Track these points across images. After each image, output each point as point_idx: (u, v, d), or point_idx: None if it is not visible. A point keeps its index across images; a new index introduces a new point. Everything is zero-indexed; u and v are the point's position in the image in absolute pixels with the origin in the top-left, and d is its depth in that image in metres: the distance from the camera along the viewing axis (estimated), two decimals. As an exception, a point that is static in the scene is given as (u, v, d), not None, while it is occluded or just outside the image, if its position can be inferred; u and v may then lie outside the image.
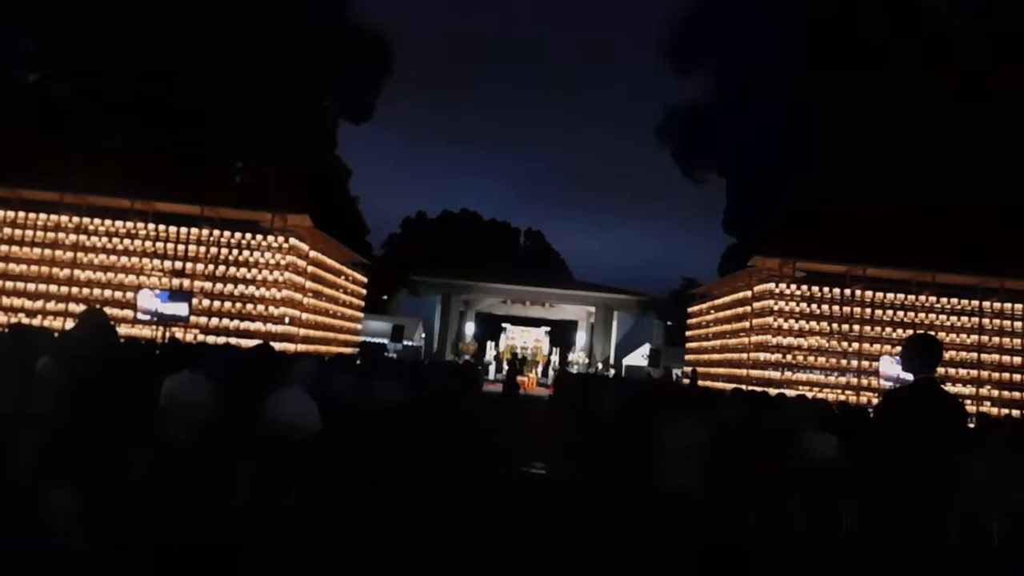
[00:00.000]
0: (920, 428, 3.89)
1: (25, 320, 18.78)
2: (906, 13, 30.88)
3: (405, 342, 32.17)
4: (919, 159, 28.78)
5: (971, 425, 8.41)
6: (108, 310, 19.20)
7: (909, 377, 4.13)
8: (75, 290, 20.38)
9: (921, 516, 3.82)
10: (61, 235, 20.77)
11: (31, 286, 20.43)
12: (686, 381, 23.11)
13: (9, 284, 20.44)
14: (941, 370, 20.26)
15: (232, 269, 20.61)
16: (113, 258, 20.66)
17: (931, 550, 3.84)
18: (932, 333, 18.99)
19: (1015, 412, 19.88)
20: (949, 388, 19.27)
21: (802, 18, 33.77)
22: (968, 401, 19.89)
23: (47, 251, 20.68)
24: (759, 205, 33.85)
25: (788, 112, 32.63)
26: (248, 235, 20.84)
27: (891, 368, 19.22)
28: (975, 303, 21.42)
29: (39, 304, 20.23)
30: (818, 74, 32.25)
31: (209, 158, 32.13)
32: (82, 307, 15.85)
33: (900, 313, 21.25)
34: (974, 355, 21.15)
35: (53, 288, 20.44)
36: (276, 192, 29.83)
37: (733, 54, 36.88)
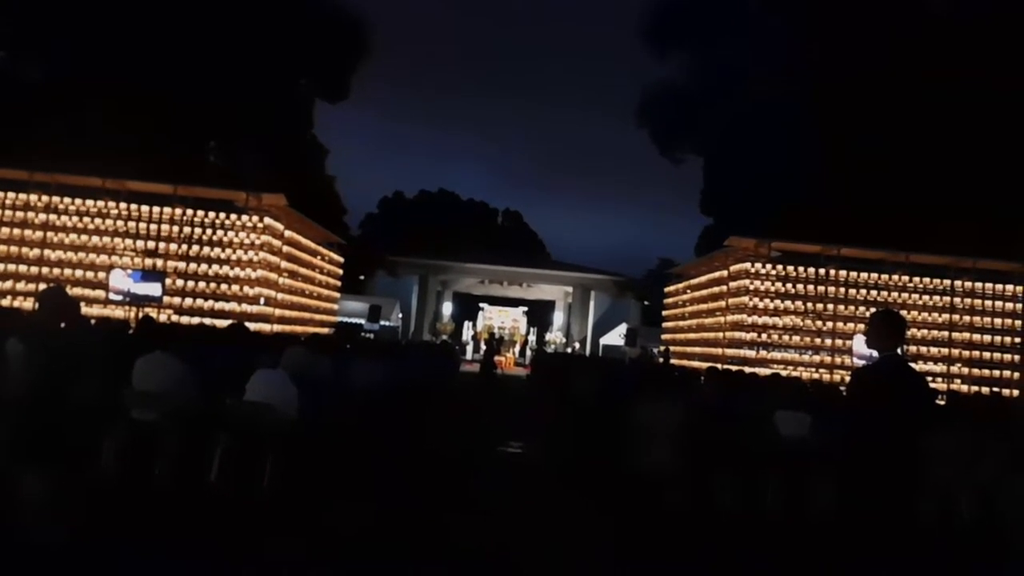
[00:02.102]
0: (887, 404, 3.94)
1: (-6, 301, 18.51)
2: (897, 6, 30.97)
3: (382, 322, 32.08)
4: (895, 144, 28.98)
5: (940, 402, 8.53)
6: (79, 290, 19.00)
7: (876, 355, 4.18)
8: (45, 270, 20.07)
9: (890, 492, 3.87)
10: (31, 214, 20.41)
11: (0, 266, 20.10)
12: (660, 360, 23.28)
13: (-23, 264, 20.10)
14: (913, 348, 20.68)
15: (206, 249, 20.38)
16: (84, 238, 20.35)
17: (901, 526, 3.89)
18: (903, 311, 19.28)
19: (984, 389, 20.22)
20: (920, 366, 19.58)
21: (785, 4, 33.79)
22: (939, 379, 20.22)
23: (16, 231, 20.32)
24: (736, 186, 33.96)
25: (767, 94, 32.68)
26: (222, 215, 20.60)
27: (864, 346, 19.42)
28: (947, 282, 21.72)
29: (8, 284, 19.92)
30: (798, 56, 32.32)
31: (182, 136, 31.65)
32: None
33: (873, 292, 21.50)
34: (945, 334, 21.47)
35: (23, 268, 20.11)
36: (251, 171, 29.50)
37: (714, 35, 36.82)
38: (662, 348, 26.81)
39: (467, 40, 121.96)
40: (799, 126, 30.68)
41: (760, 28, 34.14)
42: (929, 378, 4.58)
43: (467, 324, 41.13)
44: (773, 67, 33.15)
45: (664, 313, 30.06)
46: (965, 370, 21.25)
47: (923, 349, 21.11)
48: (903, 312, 19.43)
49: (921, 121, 28.56)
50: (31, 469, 4.67)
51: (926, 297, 21.67)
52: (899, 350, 4.32)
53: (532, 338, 40.99)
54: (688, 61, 39.42)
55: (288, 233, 22.29)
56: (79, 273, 19.99)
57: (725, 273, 23.05)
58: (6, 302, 18.95)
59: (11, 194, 20.46)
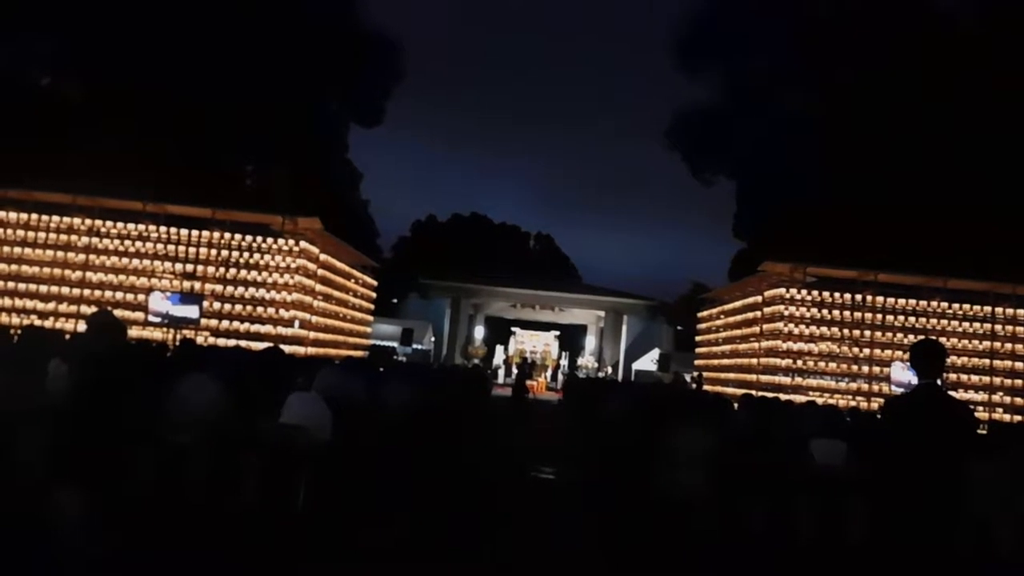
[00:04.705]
0: (921, 433, 3.89)
1: (37, 322, 18.91)
2: (911, 13, 30.85)
3: (415, 345, 32.22)
4: (923, 160, 28.70)
5: (981, 431, 8.35)
6: (119, 312, 19.34)
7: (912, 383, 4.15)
8: (87, 292, 20.50)
9: (927, 523, 3.80)
10: (73, 237, 20.90)
11: (43, 288, 20.57)
12: (693, 386, 23.07)
13: (22, 286, 20.57)
14: (953, 376, 20.28)
15: (243, 272, 20.69)
16: (125, 260, 20.78)
17: (939, 557, 3.82)
18: (942, 339, 18.93)
19: (1028, 419, 19.76)
20: (960, 395, 19.18)
21: (805, 20, 33.72)
22: (980, 408, 19.78)
23: (59, 253, 20.81)
24: (769, 209, 33.76)
25: (798, 114, 32.56)
26: (259, 238, 20.92)
27: (902, 374, 19.12)
28: (987, 309, 21.30)
29: (51, 306, 20.36)
30: (824, 76, 32.20)
31: (220, 161, 32.28)
32: (94, 309, 15.94)
33: (911, 319, 21.15)
34: (986, 361, 21.02)
35: (65, 290, 20.57)
36: (286, 195, 29.94)
37: (742, 56, 36.84)
38: (695, 374, 26.58)
39: (500, 63, 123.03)
40: (832, 149, 30.48)
41: (781, 46, 34.06)
42: (971, 407, 4.48)
43: (499, 348, 41.12)
44: (803, 90, 33.04)
45: (697, 338, 29.83)
46: (1007, 399, 20.77)
47: (964, 377, 20.68)
48: (942, 339, 19.09)
49: (957, 137, 28.27)
50: (69, 487, 4.76)
51: (966, 324, 21.25)
52: (939, 379, 4.26)
53: (564, 362, 40.85)
54: (717, 82, 39.39)
55: (323, 256, 22.54)
56: (119, 295, 20.37)
57: (759, 298, 22.84)
58: (49, 323, 19.36)
59: (55, 217, 20.97)
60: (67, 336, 14.20)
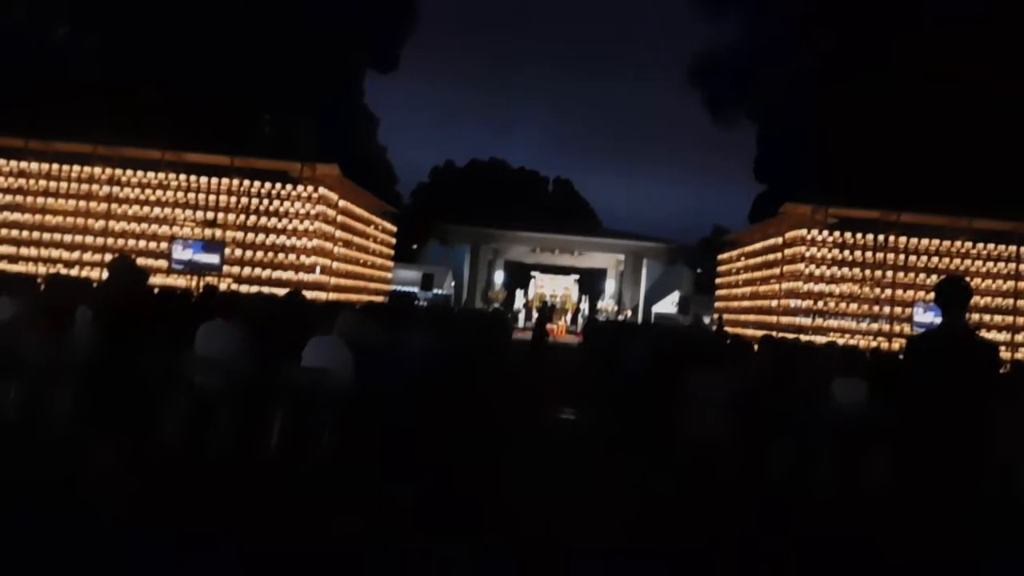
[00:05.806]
0: (945, 371, 3.85)
1: (63, 271, 19.16)
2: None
3: (435, 290, 32.35)
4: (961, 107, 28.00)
5: (1005, 371, 8.29)
6: (142, 260, 19.52)
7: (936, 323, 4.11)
8: (110, 241, 20.69)
9: (950, 464, 3.80)
10: (95, 187, 21.03)
11: (67, 237, 20.79)
12: (714, 328, 23.05)
13: (46, 236, 20.81)
14: (976, 317, 20.11)
15: (263, 219, 20.77)
16: (146, 209, 20.92)
17: (960, 498, 3.82)
18: (966, 279, 18.74)
19: (1051, 359, 19.61)
20: (984, 335, 19.02)
21: None
22: (1004, 348, 19.64)
23: (82, 203, 20.97)
24: (790, 151, 33.21)
25: (820, 57, 31.84)
26: (278, 185, 20.94)
27: (924, 315, 19.01)
28: (1012, 249, 21.01)
29: (76, 255, 20.59)
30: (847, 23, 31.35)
31: (238, 109, 32.09)
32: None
33: (934, 259, 20.91)
34: (1010, 301, 20.82)
35: (89, 239, 20.77)
36: (305, 142, 29.83)
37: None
38: (716, 316, 26.55)
39: (519, 6, 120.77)
40: (853, 88, 29.85)
41: None
42: (996, 345, 4.40)
43: (519, 292, 41.21)
44: (821, 31, 32.25)
45: (717, 281, 29.72)
46: (1031, 339, 20.64)
47: (987, 317, 20.51)
48: (966, 279, 18.87)
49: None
50: (99, 432, 4.87)
51: (990, 264, 21.00)
52: (964, 317, 4.21)
53: (584, 306, 40.91)
54: (739, 25, 38.46)
55: (342, 203, 22.55)
56: (142, 243, 20.55)
57: (780, 240, 22.65)
58: (73, 272, 19.60)
59: (76, 167, 21.07)
60: (93, 285, 14.34)
